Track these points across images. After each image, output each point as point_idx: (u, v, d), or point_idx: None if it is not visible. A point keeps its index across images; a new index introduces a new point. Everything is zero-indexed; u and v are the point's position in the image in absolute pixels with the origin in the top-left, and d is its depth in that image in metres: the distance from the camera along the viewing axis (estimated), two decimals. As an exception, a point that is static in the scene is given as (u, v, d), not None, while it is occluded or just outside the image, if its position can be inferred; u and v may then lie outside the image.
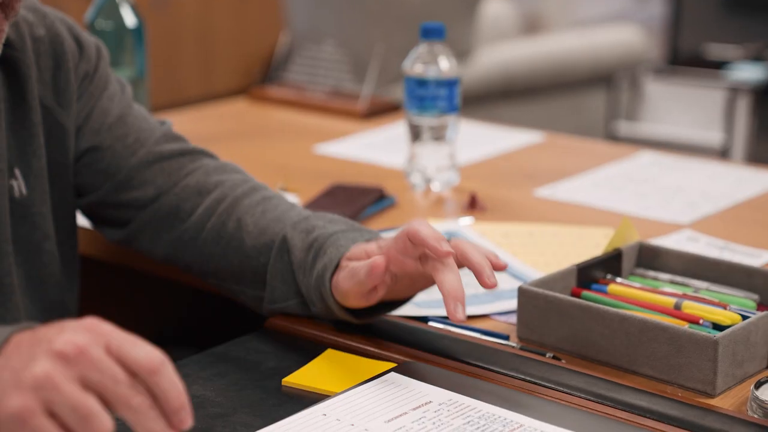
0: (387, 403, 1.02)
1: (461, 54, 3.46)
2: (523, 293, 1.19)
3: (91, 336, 0.81)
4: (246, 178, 1.32)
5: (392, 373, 1.07)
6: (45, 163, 1.25)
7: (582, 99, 3.84)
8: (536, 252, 1.45)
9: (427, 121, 1.67)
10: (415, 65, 1.67)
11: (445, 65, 1.67)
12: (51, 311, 1.28)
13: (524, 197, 1.69)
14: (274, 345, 1.17)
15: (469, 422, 0.99)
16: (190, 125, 2.11)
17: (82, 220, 1.35)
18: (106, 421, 0.79)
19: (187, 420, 0.81)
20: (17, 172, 1.22)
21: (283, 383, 1.08)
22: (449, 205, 1.65)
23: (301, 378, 1.09)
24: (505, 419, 1.00)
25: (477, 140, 1.99)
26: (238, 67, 3.24)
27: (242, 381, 1.09)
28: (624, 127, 4.01)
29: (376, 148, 1.93)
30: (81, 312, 1.37)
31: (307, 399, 1.04)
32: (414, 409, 1.01)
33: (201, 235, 1.27)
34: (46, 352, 0.80)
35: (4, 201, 1.20)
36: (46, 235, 1.26)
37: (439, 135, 1.68)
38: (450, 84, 1.67)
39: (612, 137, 3.91)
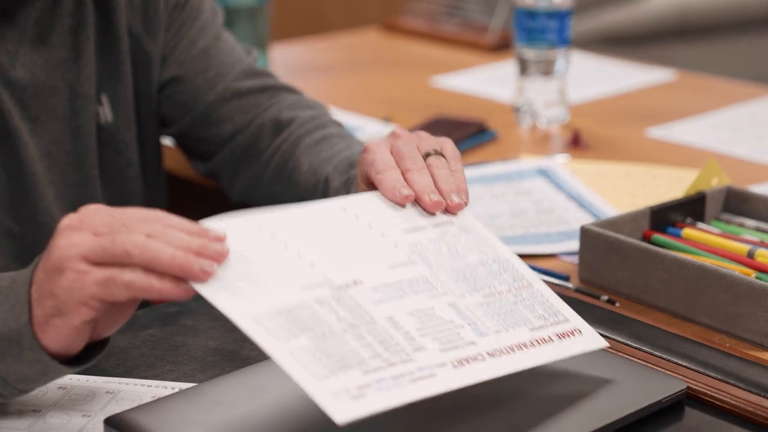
0: (411, 213, 0.98)
1: (632, -10, 3.34)
2: (585, 233, 1.15)
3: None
4: (317, 114, 1.28)
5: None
6: (131, 91, 1.26)
7: (764, 40, 3.66)
8: (627, 193, 1.40)
9: (534, 53, 1.63)
10: (526, -4, 1.63)
11: (557, -4, 1.62)
12: None
13: (634, 137, 1.63)
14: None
15: (482, 263, 0.95)
16: (314, 54, 2.12)
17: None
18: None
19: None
20: (104, 98, 1.24)
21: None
22: (551, 141, 1.61)
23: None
24: (516, 271, 0.96)
25: (601, 77, 1.92)
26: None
27: (284, 306, 1.09)
28: (807, 71, 3.80)
29: (494, 82, 1.89)
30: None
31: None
32: (435, 226, 0.97)
33: (266, 174, 1.26)
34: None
35: (92, 126, 1.22)
36: (130, 161, 1.27)
37: (547, 69, 1.63)
38: (561, 16, 1.61)
39: (793, 81, 3.71)
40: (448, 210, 0.99)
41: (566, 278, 1.16)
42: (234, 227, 0.87)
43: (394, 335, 0.84)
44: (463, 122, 1.61)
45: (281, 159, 1.25)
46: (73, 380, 0.94)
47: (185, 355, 0.99)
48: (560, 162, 1.48)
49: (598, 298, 1.11)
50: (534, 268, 1.17)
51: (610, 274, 1.13)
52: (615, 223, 1.17)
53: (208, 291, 0.81)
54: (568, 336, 0.92)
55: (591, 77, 1.91)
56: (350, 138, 1.25)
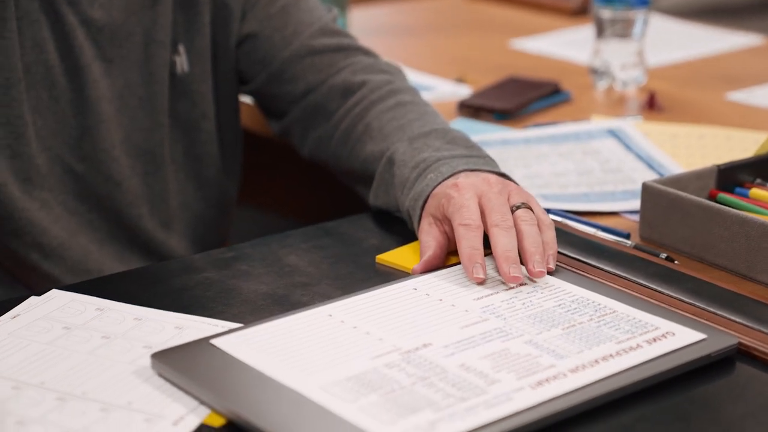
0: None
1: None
2: (646, 190, 1.13)
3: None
4: (390, 79, 1.27)
5: (490, 256, 1.04)
6: (209, 43, 1.27)
7: None
8: (699, 154, 1.37)
9: (611, 13, 1.60)
10: (604, -44, 1.60)
11: (636, -44, 1.59)
12: (206, 189, 1.32)
13: (713, 100, 1.59)
14: (387, 224, 1.17)
15: (560, 305, 0.96)
16: (394, 16, 2.12)
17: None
18: None
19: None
20: (181, 48, 1.25)
21: (376, 260, 1.08)
22: (626, 103, 1.58)
23: (395, 257, 1.08)
24: (598, 304, 0.96)
25: (683, 41, 1.89)
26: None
27: (339, 255, 1.10)
28: None
29: (572, 45, 1.86)
30: (240, 191, 1.41)
31: (395, 276, 1.04)
32: (506, 289, 0.99)
33: (335, 135, 1.25)
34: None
35: (165, 74, 1.24)
36: (204, 114, 1.28)
37: (624, 30, 1.61)
38: (640, -24, 1.59)
39: None
40: (530, 276, 1.00)
41: (627, 236, 1.14)
42: (304, 319, 0.93)
43: (467, 377, 0.85)
44: (537, 83, 1.59)
45: (351, 122, 1.24)
46: (141, 311, 0.96)
47: (237, 298, 1.00)
48: (632, 123, 1.46)
49: (657, 255, 1.09)
50: (594, 225, 1.16)
51: (671, 231, 1.11)
52: (679, 181, 1.15)
53: (277, 371, 0.85)
54: (660, 339, 0.90)
55: (673, 41, 1.87)
56: (425, 106, 1.23)
